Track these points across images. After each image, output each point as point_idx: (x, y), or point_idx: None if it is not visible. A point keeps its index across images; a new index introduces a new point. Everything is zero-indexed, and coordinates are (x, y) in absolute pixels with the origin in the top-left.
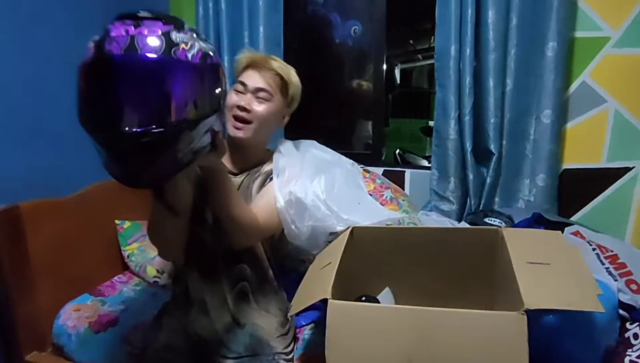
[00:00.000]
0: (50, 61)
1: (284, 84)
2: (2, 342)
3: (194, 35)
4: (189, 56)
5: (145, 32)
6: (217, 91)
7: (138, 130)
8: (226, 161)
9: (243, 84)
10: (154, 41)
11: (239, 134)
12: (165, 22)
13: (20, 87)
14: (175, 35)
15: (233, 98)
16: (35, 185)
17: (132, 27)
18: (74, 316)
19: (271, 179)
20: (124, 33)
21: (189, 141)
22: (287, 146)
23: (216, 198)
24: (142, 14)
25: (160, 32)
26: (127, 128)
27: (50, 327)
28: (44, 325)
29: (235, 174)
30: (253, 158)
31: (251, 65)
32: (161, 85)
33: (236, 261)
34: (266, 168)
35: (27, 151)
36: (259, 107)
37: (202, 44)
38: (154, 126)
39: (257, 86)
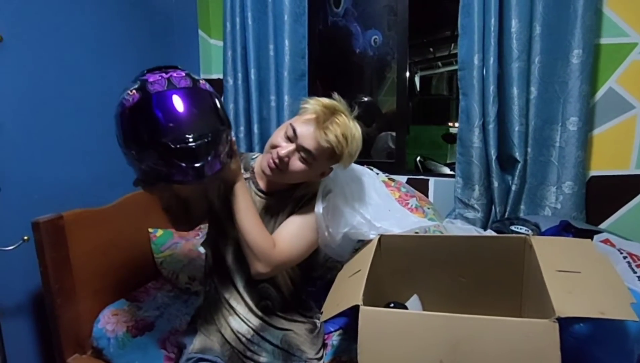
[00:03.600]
0: (89, 82)
1: (333, 155)
2: (45, 345)
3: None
4: (207, 85)
5: (175, 74)
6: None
7: (200, 139)
8: (260, 179)
9: (294, 131)
10: (185, 78)
11: (267, 172)
12: (180, 68)
13: (64, 110)
14: (193, 75)
15: (278, 140)
16: (76, 196)
17: (163, 73)
18: (113, 321)
19: (300, 206)
20: (159, 78)
21: (225, 143)
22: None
23: (235, 217)
24: (161, 67)
25: (184, 73)
26: (191, 138)
27: (90, 330)
28: (84, 328)
29: (264, 193)
30: (286, 185)
31: (314, 122)
32: (202, 104)
33: (258, 281)
34: (297, 193)
35: (69, 165)
36: (295, 165)
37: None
38: (210, 134)
39: (305, 146)
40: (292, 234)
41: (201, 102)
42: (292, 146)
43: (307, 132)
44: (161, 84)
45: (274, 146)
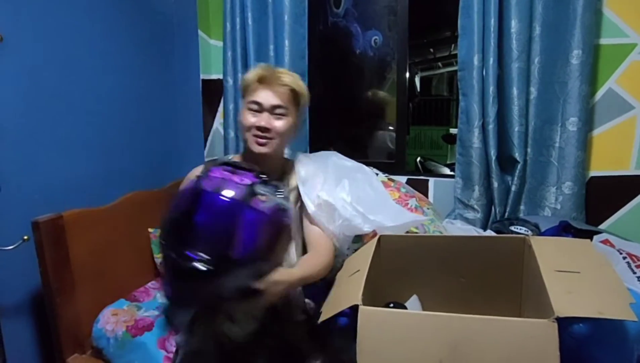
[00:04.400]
0: (88, 82)
1: (296, 97)
2: (45, 344)
3: (278, 191)
4: (262, 206)
5: (236, 179)
6: (276, 244)
7: (195, 256)
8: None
9: (257, 103)
10: (238, 188)
11: (263, 150)
12: (256, 175)
13: (63, 109)
14: (258, 188)
15: (250, 119)
16: (76, 196)
17: (228, 173)
18: (112, 321)
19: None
20: (219, 176)
21: (234, 280)
22: (307, 157)
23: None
24: (242, 165)
25: (248, 182)
26: (188, 251)
27: (90, 330)
28: (84, 328)
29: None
30: (276, 168)
31: (262, 82)
32: (228, 223)
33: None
34: (293, 181)
35: (69, 164)
36: (279, 124)
37: (280, 201)
38: (209, 257)
39: (273, 104)
40: (320, 233)
41: (228, 221)
42: (264, 113)
43: (267, 94)
44: (212, 183)
45: (250, 127)
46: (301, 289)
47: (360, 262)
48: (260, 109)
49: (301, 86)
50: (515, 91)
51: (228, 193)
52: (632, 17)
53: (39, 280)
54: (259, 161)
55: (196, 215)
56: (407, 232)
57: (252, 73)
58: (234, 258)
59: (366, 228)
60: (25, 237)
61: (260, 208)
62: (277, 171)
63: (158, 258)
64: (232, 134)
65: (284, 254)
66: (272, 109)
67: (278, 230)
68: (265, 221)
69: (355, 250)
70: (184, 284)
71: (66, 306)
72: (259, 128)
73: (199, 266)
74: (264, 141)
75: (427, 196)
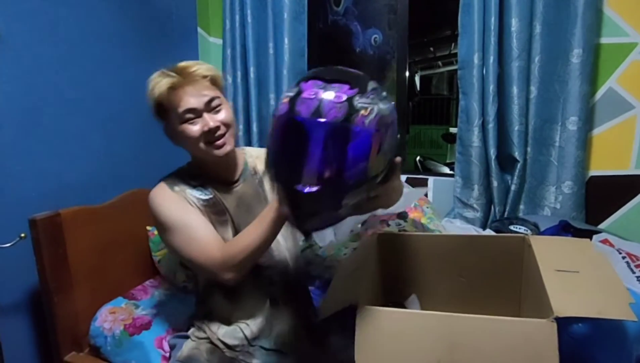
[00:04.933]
0: (87, 80)
1: (215, 81)
2: (43, 342)
3: (376, 96)
4: (366, 122)
5: (332, 96)
6: (388, 153)
7: (306, 189)
8: (217, 173)
9: (191, 110)
10: (337, 108)
11: (227, 149)
12: (352, 86)
13: (61, 107)
14: (357, 101)
15: (193, 130)
16: (74, 193)
17: (322, 91)
18: (110, 319)
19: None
20: (313, 95)
21: (350, 200)
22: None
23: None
24: (331, 75)
25: (344, 98)
26: (299, 185)
27: (88, 328)
28: (81, 326)
29: (234, 184)
30: (240, 161)
31: (177, 87)
32: (335, 150)
33: (265, 271)
34: (258, 167)
35: (67, 162)
36: (222, 116)
37: (382, 106)
38: (319, 187)
39: (205, 101)
40: None
41: (336, 147)
42: (204, 115)
43: (191, 94)
44: (309, 107)
45: (199, 137)
46: (300, 286)
47: (359, 261)
48: (197, 114)
49: (212, 68)
50: (515, 90)
51: (328, 116)
52: (632, 16)
53: (36, 277)
54: (225, 164)
55: (299, 148)
56: (406, 231)
57: (160, 87)
58: (345, 181)
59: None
60: (23, 234)
61: (364, 125)
62: (242, 162)
63: (156, 256)
64: None
65: (394, 148)
66: (207, 107)
67: (382, 138)
68: (371, 137)
69: (354, 249)
70: (301, 211)
71: (64, 304)
72: (210, 131)
73: (311, 198)
74: (221, 141)
75: (426, 195)
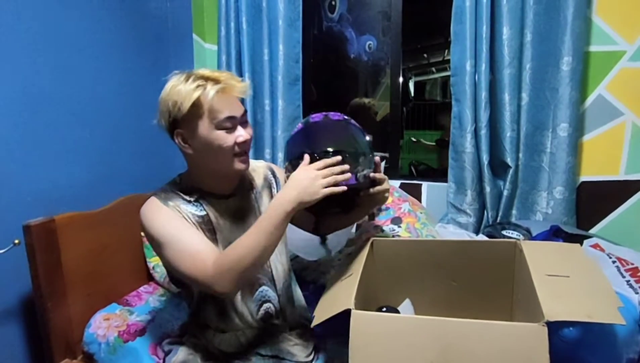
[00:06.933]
0: (82, 85)
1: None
2: (36, 349)
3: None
4: (356, 123)
5: (331, 114)
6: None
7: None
8: (216, 187)
9: (231, 118)
10: (338, 116)
11: (246, 165)
12: (343, 113)
13: (57, 112)
14: (348, 117)
15: (228, 139)
16: (68, 199)
17: (324, 114)
18: (104, 325)
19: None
20: (321, 116)
21: (364, 166)
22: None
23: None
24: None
25: (341, 114)
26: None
27: (81, 335)
28: (75, 333)
29: (226, 197)
30: (248, 178)
31: (228, 92)
32: (346, 130)
33: (258, 285)
34: (256, 181)
35: (62, 168)
36: (250, 131)
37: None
38: (346, 152)
39: (242, 113)
40: None
41: (346, 129)
42: (238, 127)
43: (235, 103)
44: (319, 119)
45: (231, 147)
46: (296, 293)
47: (353, 266)
48: (234, 124)
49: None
50: (507, 97)
51: (334, 118)
52: (621, 25)
53: (30, 284)
54: (229, 179)
55: (323, 135)
56: (400, 237)
57: (207, 90)
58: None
59: None
60: (17, 241)
61: (356, 124)
62: (239, 176)
63: (151, 262)
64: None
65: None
66: (242, 119)
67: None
68: (360, 130)
69: (349, 254)
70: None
71: (57, 310)
72: (243, 143)
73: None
74: (246, 156)
75: (420, 200)
